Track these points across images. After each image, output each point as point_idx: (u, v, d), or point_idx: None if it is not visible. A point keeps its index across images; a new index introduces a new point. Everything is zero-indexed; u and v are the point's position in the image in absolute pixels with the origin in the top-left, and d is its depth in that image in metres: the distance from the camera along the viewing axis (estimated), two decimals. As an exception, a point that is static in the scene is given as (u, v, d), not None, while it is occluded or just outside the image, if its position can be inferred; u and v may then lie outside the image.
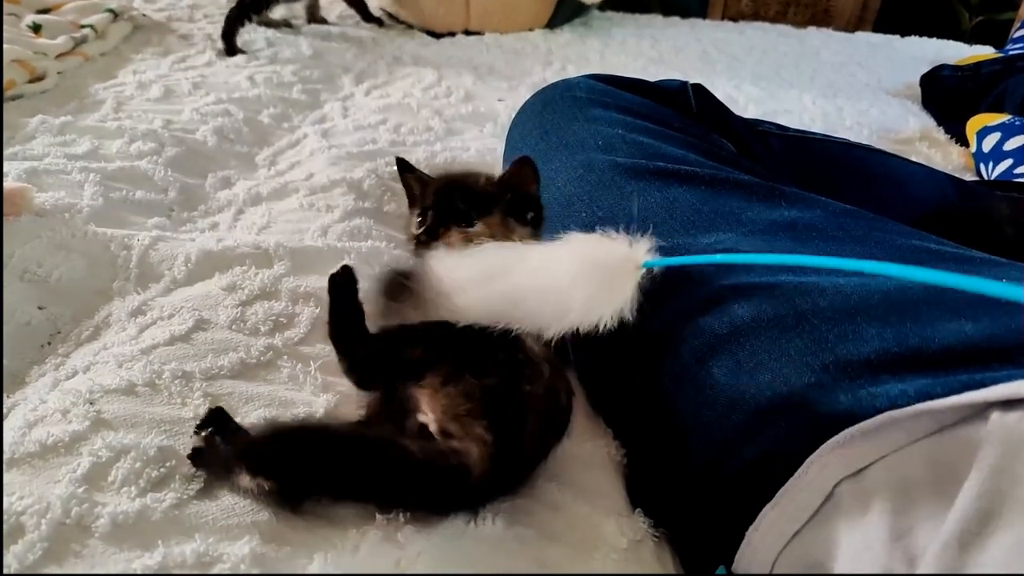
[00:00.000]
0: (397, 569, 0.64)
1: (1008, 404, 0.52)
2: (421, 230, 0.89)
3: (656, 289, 0.77)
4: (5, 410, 0.77)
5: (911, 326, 0.63)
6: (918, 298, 0.65)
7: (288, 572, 0.62)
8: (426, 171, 0.94)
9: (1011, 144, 1.48)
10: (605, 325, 0.63)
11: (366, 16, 2.45)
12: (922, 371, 0.60)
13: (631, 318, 0.64)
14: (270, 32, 2.13)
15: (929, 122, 1.94)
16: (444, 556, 0.65)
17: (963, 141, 1.73)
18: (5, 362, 0.84)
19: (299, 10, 2.32)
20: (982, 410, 0.54)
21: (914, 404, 0.56)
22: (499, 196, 0.88)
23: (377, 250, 1.09)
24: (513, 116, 1.18)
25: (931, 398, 0.56)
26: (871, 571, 0.53)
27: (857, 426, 0.58)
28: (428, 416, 0.67)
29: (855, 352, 0.64)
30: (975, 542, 0.47)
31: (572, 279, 0.64)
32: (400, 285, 0.77)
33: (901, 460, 0.56)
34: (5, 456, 0.67)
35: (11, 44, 1.51)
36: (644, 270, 0.64)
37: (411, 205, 1.00)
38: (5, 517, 0.61)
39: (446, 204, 0.88)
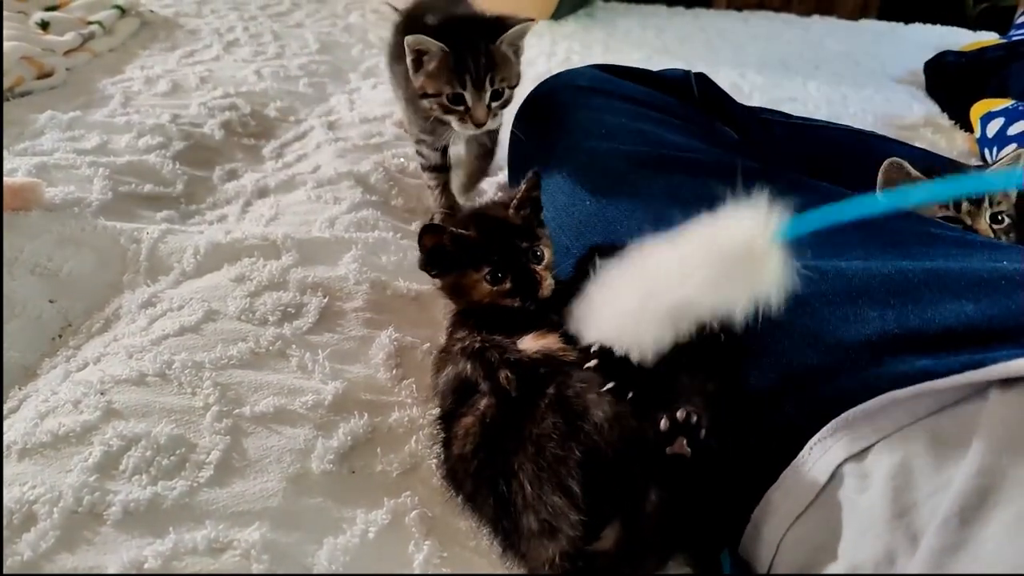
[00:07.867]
0: (406, 553, 0.65)
1: (1007, 383, 0.53)
2: (510, 286, 0.79)
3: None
4: (17, 402, 0.78)
5: (912, 308, 0.64)
6: (919, 280, 0.65)
7: (298, 557, 0.63)
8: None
9: (1015, 129, 1.48)
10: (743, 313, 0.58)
11: None
12: (923, 352, 0.60)
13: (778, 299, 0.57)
14: (276, 26, 2.13)
15: (933, 108, 1.94)
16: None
17: (967, 127, 1.72)
18: (17, 355, 0.86)
19: None
20: (982, 389, 0.54)
21: (915, 384, 0.57)
22: (530, 218, 0.85)
23: (384, 241, 1.09)
24: (517, 107, 1.19)
25: (932, 378, 0.57)
26: (874, 550, 0.53)
27: (859, 407, 0.59)
28: None
29: (857, 334, 0.64)
30: (976, 517, 0.48)
31: (687, 278, 0.59)
32: None
33: (903, 440, 0.56)
34: (18, 446, 0.69)
35: (19, 41, 1.52)
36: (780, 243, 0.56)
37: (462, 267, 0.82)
38: (18, 507, 0.63)
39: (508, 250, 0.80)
